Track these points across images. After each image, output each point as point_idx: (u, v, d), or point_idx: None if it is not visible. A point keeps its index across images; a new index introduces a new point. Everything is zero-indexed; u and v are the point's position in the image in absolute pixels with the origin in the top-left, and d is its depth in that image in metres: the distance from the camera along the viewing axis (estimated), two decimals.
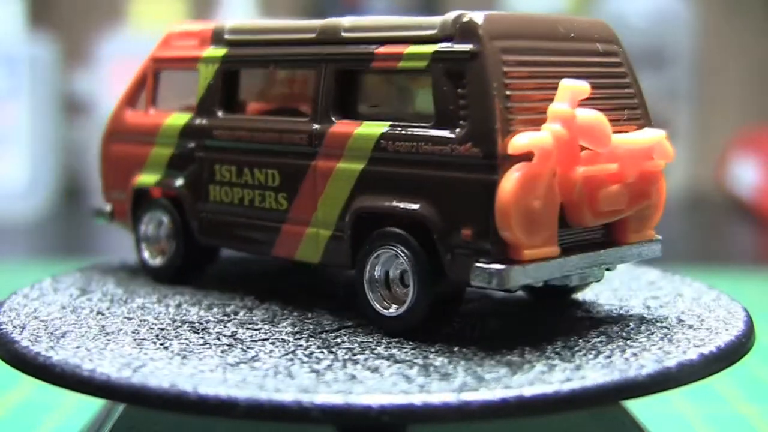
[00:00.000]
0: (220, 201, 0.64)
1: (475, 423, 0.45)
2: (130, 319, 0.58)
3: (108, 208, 0.72)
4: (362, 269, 0.56)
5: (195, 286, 0.66)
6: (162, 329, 0.56)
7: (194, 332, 0.55)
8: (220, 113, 0.64)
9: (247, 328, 0.56)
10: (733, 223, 1.73)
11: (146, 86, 0.69)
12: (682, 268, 0.81)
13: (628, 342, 0.53)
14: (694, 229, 1.69)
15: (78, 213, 1.71)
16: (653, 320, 0.58)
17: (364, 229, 0.56)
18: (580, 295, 0.64)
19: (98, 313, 0.59)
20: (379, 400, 0.44)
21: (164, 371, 0.48)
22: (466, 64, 0.51)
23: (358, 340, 0.54)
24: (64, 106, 1.81)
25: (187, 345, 0.53)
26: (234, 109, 0.64)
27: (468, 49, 0.51)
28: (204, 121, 0.64)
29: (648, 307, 0.61)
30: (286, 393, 0.45)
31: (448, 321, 0.56)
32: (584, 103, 0.53)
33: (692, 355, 0.50)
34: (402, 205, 0.54)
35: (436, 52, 0.53)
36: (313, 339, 0.54)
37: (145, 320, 0.57)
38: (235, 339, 0.54)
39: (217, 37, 0.65)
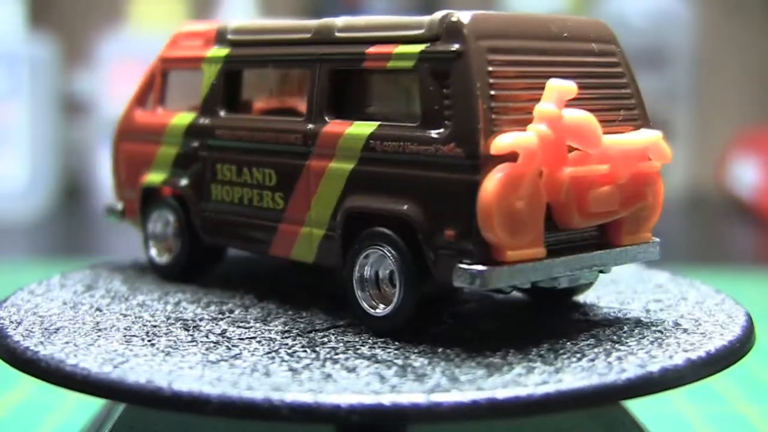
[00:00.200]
0: (222, 200, 0.64)
1: (447, 423, 0.45)
2: (126, 316, 0.58)
3: (119, 206, 0.73)
4: (351, 269, 0.56)
5: (199, 284, 0.66)
6: (155, 326, 0.56)
7: (185, 329, 0.56)
8: (222, 113, 0.64)
9: (238, 326, 0.56)
10: (733, 223, 1.73)
11: (154, 86, 0.70)
12: (682, 268, 0.80)
13: (617, 345, 0.52)
14: (694, 229, 1.68)
15: (78, 213, 1.73)
16: (649, 324, 0.57)
17: (355, 229, 0.56)
18: (581, 297, 0.63)
19: (97, 309, 0.60)
20: (349, 399, 0.44)
21: (144, 367, 0.48)
22: (451, 63, 0.51)
23: (345, 339, 0.54)
24: (64, 106, 1.82)
25: (175, 342, 0.53)
26: (236, 108, 0.65)
27: (453, 49, 0.51)
28: (207, 121, 0.65)
29: (647, 311, 0.60)
30: (258, 391, 0.45)
31: (437, 321, 0.56)
32: (577, 103, 0.53)
33: (678, 360, 0.50)
34: (389, 205, 0.54)
35: (422, 52, 0.53)
36: (300, 338, 0.54)
37: (140, 317, 0.58)
38: (223, 337, 0.54)
39: (220, 38, 0.65)
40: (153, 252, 0.70)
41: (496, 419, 0.45)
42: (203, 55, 0.66)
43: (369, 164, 0.55)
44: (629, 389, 0.47)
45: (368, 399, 0.44)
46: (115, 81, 1.62)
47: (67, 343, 0.52)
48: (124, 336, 0.54)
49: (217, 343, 0.53)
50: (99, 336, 0.54)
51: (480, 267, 0.50)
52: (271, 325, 0.57)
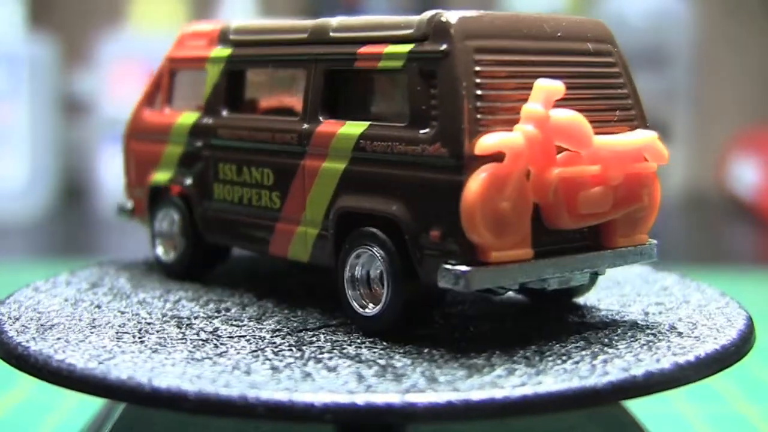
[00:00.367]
0: (223, 199, 0.65)
1: (421, 423, 0.45)
2: (123, 313, 0.59)
3: (129, 205, 0.74)
4: (343, 268, 0.56)
5: (203, 282, 0.67)
6: (149, 324, 0.57)
7: (178, 327, 0.56)
8: (224, 112, 0.65)
9: (231, 325, 0.57)
10: (733, 223, 1.72)
11: (161, 85, 0.71)
12: (682, 268, 0.80)
13: (605, 348, 0.52)
14: (694, 229, 1.68)
15: (78, 213, 1.73)
16: (644, 327, 0.56)
17: (347, 229, 0.56)
18: (582, 299, 0.63)
19: (96, 306, 0.60)
20: (322, 398, 0.44)
21: (129, 364, 0.49)
22: (438, 63, 0.51)
23: (333, 339, 0.54)
24: (64, 106, 1.82)
25: (164, 339, 0.54)
26: (239, 108, 0.65)
27: (440, 49, 0.51)
28: (210, 121, 0.65)
29: (646, 313, 0.59)
30: (235, 388, 0.45)
31: (428, 322, 0.56)
32: (570, 103, 0.53)
33: (665, 363, 0.49)
34: (378, 205, 0.54)
35: (411, 52, 0.53)
36: (289, 337, 0.54)
37: (137, 314, 0.59)
38: (213, 335, 0.55)
39: (223, 38, 0.66)
40: (159, 250, 0.70)
41: (470, 420, 0.44)
42: (207, 55, 0.66)
43: (360, 164, 0.55)
44: (610, 393, 0.46)
45: (342, 398, 0.44)
46: (115, 81, 1.63)
47: (59, 339, 0.53)
48: (117, 333, 0.55)
49: (206, 340, 0.53)
50: (92, 333, 0.55)
51: (464, 268, 0.50)
52: (263, 323, 0.57)
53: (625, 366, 0.48)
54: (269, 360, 0.50)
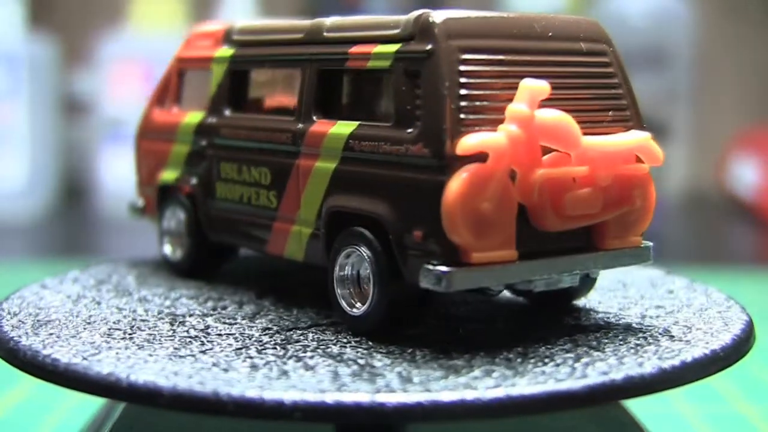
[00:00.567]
0: (226, 198, 0.65)
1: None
2: (121, 309, 0.60)
3: (140, 203, 0.75)
4: (333, 268, 0.56)
5: (207, 280, 0.67)
6: (143, 320, 0.57)
7: (170, 324, 0.57)
8: (227, 112, 0.65)
9: (223, 323, 0.57)
10: (733, 223, 1.71)
11: (170, 85, 0.71)
12: (682, 268, 0.79)
13: (591, 351, 0.51)
14: (694, 229, 1.67)
15: (78, 213, 1.73)
16: (637, 330, 0.55)
17: (337, 228, 0.56)
18: (582, 301, 0.62)
19: (96, 303, 0.61)
20: (293, 396, 0.44)
21: (111, 359, 0.49)
22: (423, 63, 0.51)
23: (320, 338, 0.54)
24: (64, 106, 1.82)
25: (154, 336, 0.54)
26: (242, 108, 0.66)
27: (425, 49, 0.51)
28: (213, 120, 0.66)
29: (643, 317, 0.59)
30: (208, 385, 0.45)
31: (419, 322, 0.56)
32: (560, 103, 0.52)
33: (648, 368, 0.48)
34: (365, 205, 0.54)
35: (397, 52, 0.53)
36: (277, 335, 0.55)
37: (134, 311, 0.59)
38: (203, 332, 0.55)
39: (227, 38, 0.66)
40: (167, 248, 0.71)
41: (440, 422, 0.44)
42: (212, 55, 0.67)
43: (349, 164, 0.55)
44: (586, 396, 0.46)
45: (311, 397, 0.44)
46: (115, 81, 1.63)
47: (50, 334, 0.54)
48: (109, 329, 0.55)
49: (194, 338, 0.54)
50: (85, 329, 0.55)
51: (445, 268, 0.49)
52: (256, 321, 0.57)
53: (605, 369, 0.48)
54: (251, 358, 0.50)
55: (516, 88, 0.51)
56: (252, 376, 0.47)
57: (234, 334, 0.55)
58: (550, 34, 0.54)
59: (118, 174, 1.64)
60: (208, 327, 0.56)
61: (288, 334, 0.55)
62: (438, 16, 0.51)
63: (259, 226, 0.63)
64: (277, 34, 0.62)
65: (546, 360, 0.50)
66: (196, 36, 0.70)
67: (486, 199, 0.49)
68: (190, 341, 0.53)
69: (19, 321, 0.57)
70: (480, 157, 0.49)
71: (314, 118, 0.58)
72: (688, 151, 1.70)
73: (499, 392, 0.45)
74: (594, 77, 0.55)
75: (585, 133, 0.53)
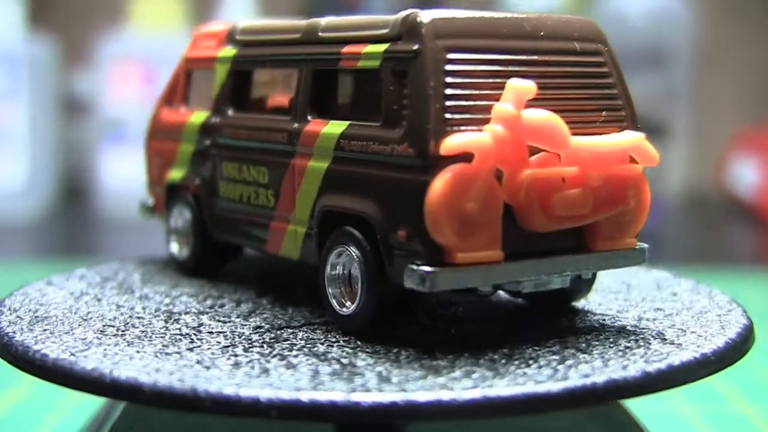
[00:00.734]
0: (228, 197, 0.66)
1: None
2: (119, 306, 0.60)
3: (150, 202, 0.75)
4: (324, 267, 0.56)
5: (213, 279, 0.68)
6: (139, 318, 0.58)
7: (165, 321, 0.57)
8: (229, 111, 0.66)
9: (218, 320, 0.57)
10: (733, 223, 1.71)
11: (178, 85, 0.72)
12: (682, 268, 0.78)
13: (578, 353, 0.51)
14: (694, 229, 1.66)
15: (78, 213, 1.73)
16: (631, 332, 0.55)
17: (330, 227, 0.56)
18: (582, 302, 0.61)
19: (97, 300, 0.62)
20: (268, 394, 0.45)
21: (98, 356, 0.50)
22: (409, 63, 0.51)
23: (310, 337, 0.54)
24: (64, 106, 1.82)
25: (145, 333, 0.55)
26: (244, 107, 0.66)
27: (412, 49, 0.51)
28: (217, 120, 0.66)
29: (640, 319, 0.58)
30: (188, 382, 0.46)
31: (412, 322, 0.56)
32: (550, 103, 0.52)
33: (632, 371, 0.48)
34: (354, 204, 0.54)
35: (386, 51, 0.53)
36: (268, 334, 0.55)
37: (132, 308, 0.60)
38: (194, 330, 0.55)
39: (230, 38, 0.67)
40: (174, 247, 0.72)
41: (414, 422, 0.44)
42: (216, 55, 0.67)
43: (340, 163, 0.55)
44: (564, 399, 0.45)
45: (287, 395, 0.44)
46: (115, 81, 1.63)
47: (44, 330, 0.55)
48: (103, 326, 0.56)
49: (185, 335, 0.54)
50: (80, 325, 0.56)
51: (428, 268, 0.49)
52: (249, 320, 0.58)
53: (588, 372, 0.47)
54: (235, 356, 0.51)
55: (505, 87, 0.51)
56: (233, 374, 0.47)
57: (225, 332, 0.55)
58: (542, 33, 0.54)
59: (118, 174, 1.65)
60: (201, 325, 0.57)
61: (278, 332, 0.55)
62: (426, 15, 0.51)
63: (258, 226, 0.63)
64: (277, 34, 0.63)
65: (530, 362, 0.49)
66: (202, 36, 0.71)
67: (470, 199, 0.49)
68: (180, 339, 0.54)
69: (18, 317, 0.57)
70: (465, 157, 0.49)
71: (309, 117, 0.58)
72: (687, 151, 1.69)
73: (476, 393, 0.44)
74: (588, 77, 0.55)
75: (577, 133, 0.52)
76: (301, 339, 0.54)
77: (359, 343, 0.53)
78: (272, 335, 0.54)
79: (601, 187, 0.53)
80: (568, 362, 0.49)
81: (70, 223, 1.69)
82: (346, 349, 0.52)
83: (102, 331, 0.55)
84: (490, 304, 0.61)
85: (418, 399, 0.44)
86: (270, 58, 0.63)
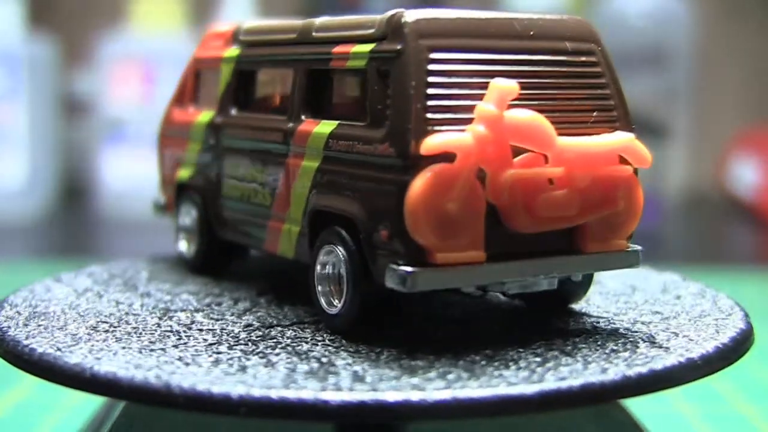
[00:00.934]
0: (230, 196, 0.66)
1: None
2: (119, 303, 0.61)
3: (162, 201, 0.76)
4: (314, 265, 0.56)
5: (216, 277, 0.69)
6: (135, 315, 0.59)
7: (158, 318, 0.58)
8: (233, 111, 0.66)
9: (210, 318, 0.58)
10: (733, 223, 1.70)
11: (187, 85, 0.73)
12: (682, 268, 0.77)
13: (562, 356, 0.50)
14: (694, 229, 1.65)
15: (78, 213, 1.73)
16: (621, 335, 0.54)
17: (320, 226, 0.57)
18: (581, 304, 0.61)
19: (98, 296, 0.63)
20: (240, 391, 0.45)
21: (83, 351, 0.51)
22: (392, 62, 0.51)
23: (297, 335, 0.54)
24: (64, 106, 1.81)
25: (136, 330, 0.55)
26: (247, 107, 0.66)
27: (395, 48, 0.51)
28: (221, 119, 0.67)
29: (635, 322, 0.57)
30: (162, 378, 0.46)
31: (400, 323, 0.56)
32: (538, 103, 0.52)
33: (611, 374, 0.47)
34: (341, 204, 0.54)
35: (371, 51, 0.53)
36: (256, 332, 0.55)
37: (130, 305, 0.61)
38: (185, 327, 0.56)
39: (234, 38, 0.67)
40: (182, 245, 0.72)
41: (385, 421, 0.44)
42: (222, 55, 0.68)
43: (329, 163, 0.55)
44: (539, 402, 0.45)
45: (257, 392, 0.45)
46: (115, 81, 1.63)
47: (39, 326, 0.56)
48: (96, 322, 0.57)
49: (174, 332, 0.55)
50: (74, 321, 0.57)
51: (408, 268, 0.49)
52: (242, 318, 0.58)
53: (565, 375, 0.47)
54: (218, 353, 0.51)
55: None
56: (209, 371, 0.48)
57: (215, 329, 0.56)
58: (532, 33, 0.54)
59: (118, 174, 1.65)
60: (193, 322, 0.57)
61: (267, 330, 0.55)
62: (410, 15, 0.51)
63: (257, 224, 0.63)
64: (276, 34, 0.63)
65: (510, 363, 0.49)
66: (211, 36, 0.71)
67: (451, 199, 0.49)
68: (168, 335, 0.54)
69: (17, 312, 0.58)
70: (448, 157, 0.49)
71: (303, 117, 0.58)
72: (687, 151, 1.68)
73: (446, 394, 0.44)
74: (579, 77, 0.54)
75: (567, 134, 0.52)
76: (288, 337, 0.54)
77: (344, 342, 0.53)
78: (260, 333, 0.55)
79: (589, 189, 0.52)
80: (548, 365, 0.49)
81: (70, 223, 1.69)
82: (329, 348, 0.52)
83: (94, 327, 0.56)
84: (486, 305, 0.61)
85: (387, 399, 0.44)
86: (269, 58, 0.64)
